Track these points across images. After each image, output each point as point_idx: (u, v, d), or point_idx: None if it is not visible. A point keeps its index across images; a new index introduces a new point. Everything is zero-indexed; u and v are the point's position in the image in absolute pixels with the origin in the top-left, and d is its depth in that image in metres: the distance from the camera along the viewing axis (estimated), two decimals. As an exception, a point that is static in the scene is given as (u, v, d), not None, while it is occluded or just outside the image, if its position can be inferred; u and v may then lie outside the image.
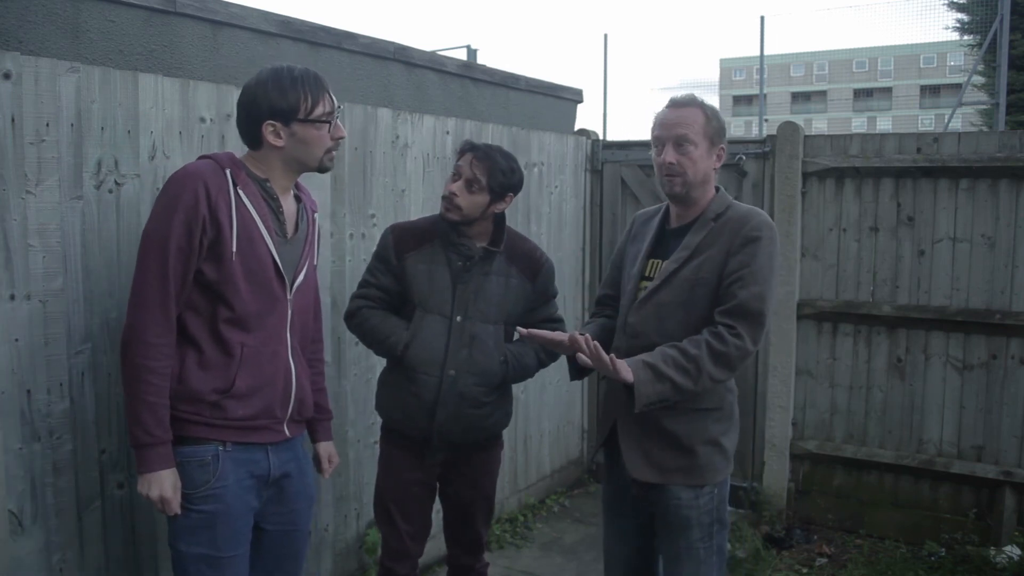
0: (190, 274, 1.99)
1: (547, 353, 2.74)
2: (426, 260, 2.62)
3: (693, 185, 2.30)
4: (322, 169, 2.17)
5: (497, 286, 2.64)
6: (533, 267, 2.72)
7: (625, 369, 2.11)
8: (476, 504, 2.79)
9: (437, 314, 2.60)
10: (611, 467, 2.47)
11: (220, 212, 1.98)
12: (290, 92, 2.04)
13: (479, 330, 2.61)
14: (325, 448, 2.47)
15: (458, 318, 2.59)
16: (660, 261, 2.37)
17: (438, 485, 2.80)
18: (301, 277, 2.18)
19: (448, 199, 2.58)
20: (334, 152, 2.17)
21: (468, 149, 2.61)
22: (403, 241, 2.65)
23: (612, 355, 2.12)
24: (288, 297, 2.14)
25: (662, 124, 2.33)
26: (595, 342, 2.11)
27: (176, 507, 2.00)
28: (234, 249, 2.00)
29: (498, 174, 2.57)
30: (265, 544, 2.20)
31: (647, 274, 2.38)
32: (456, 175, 2.60)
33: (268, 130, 2.05)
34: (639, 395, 2.12)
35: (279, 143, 2.06)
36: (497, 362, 2.63)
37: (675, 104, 2.35)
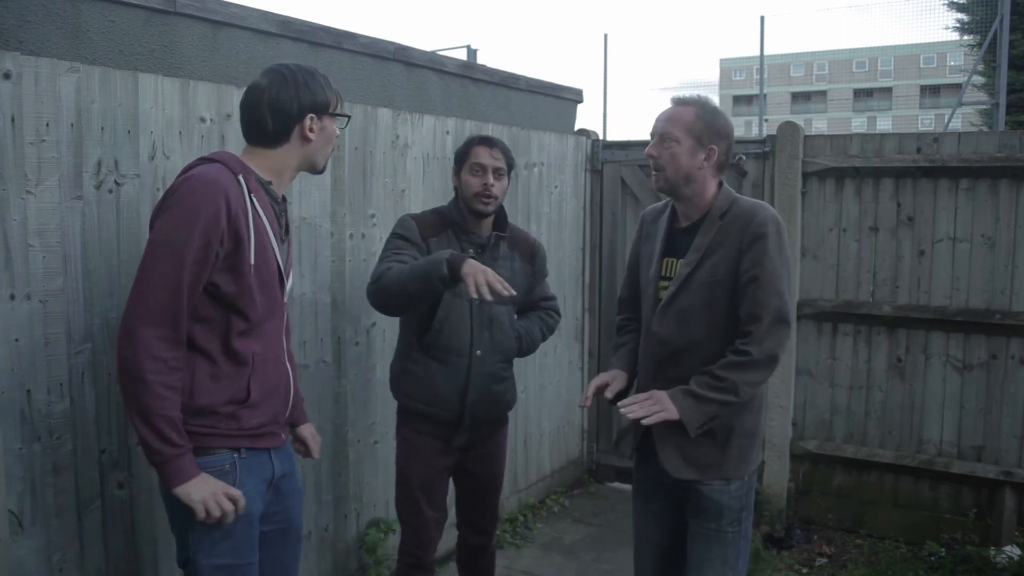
0: (200, 286, 1.92)
1: (547, 328, 3.02)
2: (444, 247, 2.74)
3: (675, 182, 2.35)
4: (323, 170, 2.20)
5: (505, 270, 2.78)
6: (531, 250, 2.95)
7: (671, 409, 2.23)
8: (493, 481, 2.95)
9: (463, 298, 2.70)
10: (644, 455, 2.50)
11: (239, 224, 1.92)
12: (325, 88, 2.09)
13: (496, 311, 2.78)
14: (307, 429, 2.41)
15: (476, 301, 2.67)
16: (675, 260, 2.40)
17: (464, 470, 2.93)
18: (291, 278, 2.17)
19: (485, 194, 2.72)
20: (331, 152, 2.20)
21: (480, 143, 2.78)
22: (425, 227, 2.77)
23: (655, 402, 2.25)
24: (285, 300, 2.13)
25: (656, 119, 2.40)
26: (642, 414, 2.24)
27: (239, 493, 1.94)
28: (252, 262, 1.96)
29: (509, 154, 2.81)
30: (264, 545, 2.18)
31: (664, 274, 2.43)
32: (479, 169, 2.73)
33: (308, 123, 2.05)
34: (688, 423, 2.24)
35: (312, 136, 2.07)
36: (512, 338, 2.86)
37: (674, 101, 2.41)
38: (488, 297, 2.28)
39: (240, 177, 1.96)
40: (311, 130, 2.06)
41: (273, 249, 2.04)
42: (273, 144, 2.06)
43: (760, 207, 2.34)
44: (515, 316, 2.92)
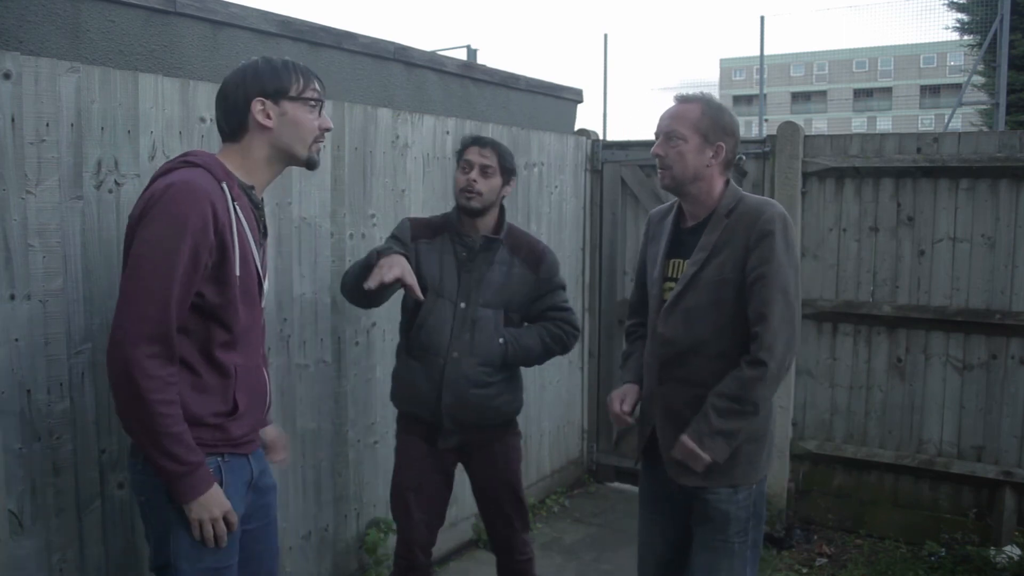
0: (189, 299, 1.86)
1: (552, 338, 2.86)
2: (437, 250, 2.82)
3: (682, 180, 2.31)
4: (310, 163, 2.07)
5: (499, 274, 2.80)
6: (536, 258, 2.87)
7: (702, 457, 2.21)
8: (502, 496, 2.90)
9: (446, 299, 2.77)
10: (649, 461, 2.46)
11: (225, 235, 1.87)
12: (281, 72, 1.99)
13: (480, 314, 2.77)
14: (273, 431, 2.34)
15: (462, 304, 2.76)
16: (681, 261, 2.36)
17: (469, 483, 2.95)
18: (267, 282, 2.12)
19: (467, 188, 2.76)
20: (320, 145, 2.08)
21: (472, 143, 2.82)
22: (419, 229, 2.87)
23: (686, 448, 2.23)
24: (262, 306, 2.09)
25: (660, 117, 2.36)
26: (677, 455, 2.27)
27: (235, 519, 1.94)
28: (237, 273, 1.92)
29: (505, 156, 2.81)
30: (246, 543, 2.17)
31: (670, 275, 2.39)
32: (467, 167, 2.77)
33: (257, 108, 1.95)
34: (721, 459, 2.22)
35: (268, 123, 1.97)
36: (496, 343, 2.78)
37: (678, 99, 2.37)
38: (372, 284, 2.48)
39: (224, 185, 1.90)
40: (267, 116, 1.96)
41: (254, 257, 1.99)
42: (235, 137, 2.00)
43: (767, 204, 2.30)
44: (503, 321, 2.82)
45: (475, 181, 2.74)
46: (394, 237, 2.85)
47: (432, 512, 2.88)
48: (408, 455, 2.86)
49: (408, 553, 2.85)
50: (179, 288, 1.81)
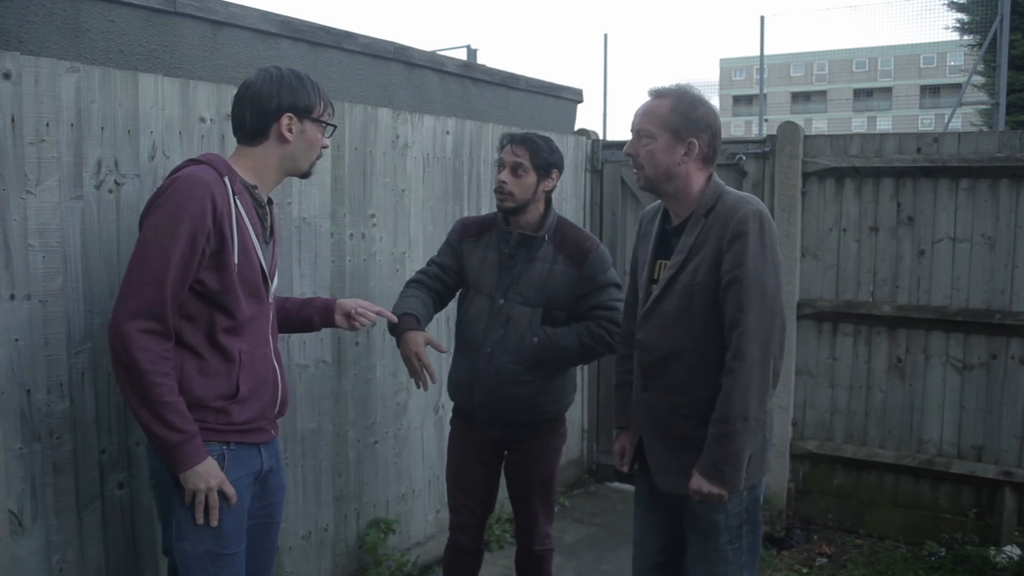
0: (188, 282, 1.96)
1: (592, 338, 2.77)
2: (482, 247, 2.88)
3: (655, 180, 2.23)
4: (308, 174, 2.24)
5: (540, 272, 2.79)
6: (581, 254, 2.81)
7: (720, 491, 2.14)
8: (532, 487, 2.93)
9: (485, 295, 2.83)
10: (645, 464, 2.42)
11: (224, 224, 1.98)
12: (311, 91, 2.14)
13: (516, 311, 2.78)
14: (345, 304, 2.51)
15: (500, 300, 2.78)
16: (666, 262, 2.30)
17: (504, 469, 2.99)
18: (276, 279, 2.23)
19: (499, 189, 2.78)
20: (318, 160, 2.24)
21: (507, 141, 2.82)
22: (468, 229, 2.95)
23: (695, 491, 2.16)
24: (269, 300, 2.18)
25: (634, 113, 2.27)
26: (695, 498, 2.18)
27: (233, 491, 2.02)
28: (236, 261, 2.02)
29: (539, 152, 2.77)
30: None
31: (655, 276, 2.34)
32: (501, 166, 2.80)
33: (285, 122, 2.09)
34: (736, 485, 2.15)
35: (289, 136, 2.11)
36: (530, 342, 2.76)
37: (651, 93, 2.27)
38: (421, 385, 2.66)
39: (226, 179, 2.02)
40: (290, 130, 2.11)
41: (256, 251, 2.09)
42: (252, 141, 2.13)
43: (743, 202, 2.18)
44: (539, 319, 2.78)
45: (504, 182, 2.75)
46: (446, 240, 2.98)
47: (472, 498, 2.95)
48: (453, 442, 2.98)
49: (453, 530, 2.98)
50: (176, 270, 1.92)
